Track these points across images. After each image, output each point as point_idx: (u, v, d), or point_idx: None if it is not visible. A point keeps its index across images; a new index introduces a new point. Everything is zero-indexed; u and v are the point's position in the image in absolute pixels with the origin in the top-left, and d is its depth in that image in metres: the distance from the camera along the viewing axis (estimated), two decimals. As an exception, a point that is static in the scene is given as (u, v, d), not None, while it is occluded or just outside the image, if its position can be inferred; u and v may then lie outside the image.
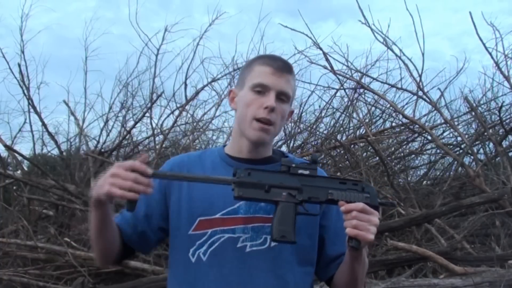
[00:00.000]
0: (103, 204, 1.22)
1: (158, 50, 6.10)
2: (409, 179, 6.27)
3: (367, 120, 6.27)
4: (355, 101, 6.17)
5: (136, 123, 6.14)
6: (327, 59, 5.42)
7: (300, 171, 1.25)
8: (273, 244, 1.28)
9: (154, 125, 6.21)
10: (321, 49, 5.40)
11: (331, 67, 5.46)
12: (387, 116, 6.36)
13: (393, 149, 6.35)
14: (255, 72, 1.36)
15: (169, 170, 1.38)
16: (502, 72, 5.40)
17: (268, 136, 1.34)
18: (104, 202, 1.20)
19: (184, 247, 1.33)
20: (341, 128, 6.44)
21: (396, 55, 5.52)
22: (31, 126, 5.94)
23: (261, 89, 1.33)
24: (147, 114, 6.09)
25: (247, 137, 1.35)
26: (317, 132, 6.37)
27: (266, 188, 1.22)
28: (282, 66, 1.36)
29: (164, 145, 6.15)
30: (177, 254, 1.35)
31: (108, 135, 6.41)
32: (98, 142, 6.33)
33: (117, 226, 1.34)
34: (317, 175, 1.27)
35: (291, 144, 6.25)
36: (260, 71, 1.35)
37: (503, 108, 5.45)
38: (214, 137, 6.61)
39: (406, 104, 6.18)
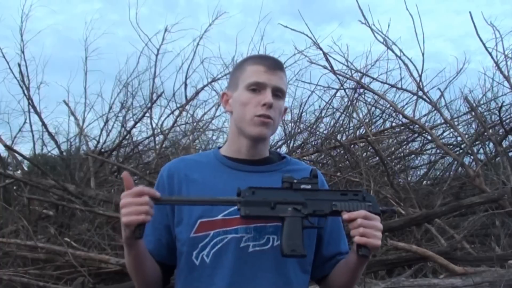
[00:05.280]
0: (135, 241, 1.23)
1: (158, 50, 6.14)
2: (409, 179, 6.27)
3: (367, 120, 6.27)
4: (355, 101, 6.18)
5: (136, 123, 6.15)
6: (327, 59, 5.44)
7: (302, 186, 1.28)
8: (276, 243, 1.29)
9: (154, 125, 6.25)
10: (321, 49, 5.41)
11: (331, 67, 5.47)
12: (387, 116, 6.37)
13: (393, 149, 6.35)
14: (248, 71, 1.37)
15: (166, 177, 1.39)
16: (502, 72, 5.41)
17: (269, 131, 1.37)
18: (136, 238, 1.21)
19: (187, 251, 1.33)
20: (341, 128, 6.45)
21: (396, 55, 5.54)
22: (31, 126, 5.97)
23: (256, 87, 1.35)
24: (147, 114, 6.12)
25: (248, 134, 1.36)
26: (317, 132, 6.38)
27: (271, 205, 1.25)
28: (274, 64, 1.39)
29: (164, 145, 6.16)
30: (182, 258, 1.35)
31: (108, 135, 6.44)
32: (98, 142, 6.35)
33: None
34: (319, 188, 1.30)
35: (291, 144, 6.26)
36: (253, 70, 1.37)
37: (503, 108, 5.46)
38: (214, 137, 6.63)
39: (406, 104, 6.21)
